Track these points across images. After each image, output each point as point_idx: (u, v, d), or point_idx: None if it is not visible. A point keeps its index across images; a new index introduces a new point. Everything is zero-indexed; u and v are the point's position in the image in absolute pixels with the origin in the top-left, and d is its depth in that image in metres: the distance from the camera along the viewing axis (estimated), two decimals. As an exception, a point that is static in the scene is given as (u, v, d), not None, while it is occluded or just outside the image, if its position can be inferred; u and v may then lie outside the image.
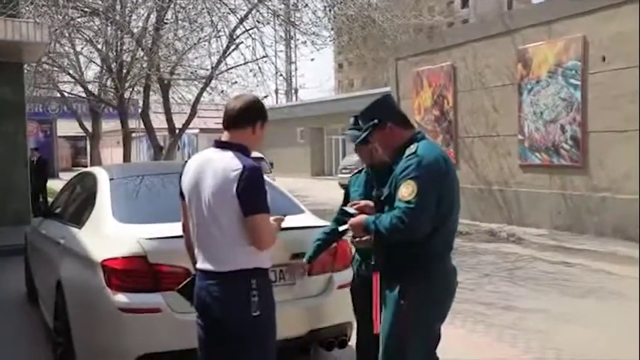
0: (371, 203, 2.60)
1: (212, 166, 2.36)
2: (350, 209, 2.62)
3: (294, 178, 22.59)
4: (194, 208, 2.41)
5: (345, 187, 3.21)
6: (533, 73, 10.10)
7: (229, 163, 2.32)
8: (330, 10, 11.29)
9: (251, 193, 2.28)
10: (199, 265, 2.43)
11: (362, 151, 2.97)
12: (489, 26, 11.33)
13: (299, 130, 26.99)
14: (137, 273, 3.01)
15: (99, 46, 12.35)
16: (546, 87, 9.89)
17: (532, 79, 10.13)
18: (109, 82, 14.00)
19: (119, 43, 11.44)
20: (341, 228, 2.59)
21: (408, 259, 2.42)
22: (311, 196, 15.11)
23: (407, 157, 2.41)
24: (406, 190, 2.31)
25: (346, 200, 3.15)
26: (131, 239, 3.07)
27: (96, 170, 4.31)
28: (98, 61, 14.07)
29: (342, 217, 3.00)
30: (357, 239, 2.55)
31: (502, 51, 10.69)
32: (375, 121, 2.53)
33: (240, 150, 2.38)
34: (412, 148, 2.43)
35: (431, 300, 2.43)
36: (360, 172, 3.16)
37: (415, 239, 2.34)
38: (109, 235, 3.29)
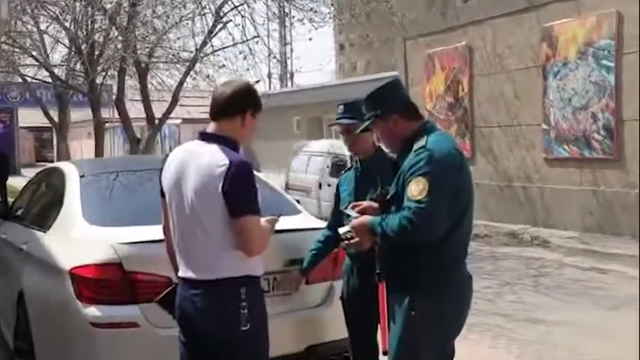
0: (374, 205, 2.61)
1: (195, 160, 2.37)
2: (350, 212, 2.62)
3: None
4: (175, 209, 2.41)
5: (336, 187, 3.23)
6: (560, 54, 10.09)
7: (214, 157, 2.33)
8: (329, -17, 11.27)
9: (239, 191, 2.29)
10: (182, 273, 2.43)
11: (359, 141, 2.99)
12: (510, 1, 11.32)
13: (295, 119, 26.96)
14: (111, 282, 3.00)
15: (66, 25, 12.31)
16: (575, 70, 9.89)
17: (559, 60, 10.13)
18: (78, 66, 13.94)
19: (90, 21, 11.39)
20: (341, 230, 2.59)
21: (417, 265, 2.43)
22: (308, 195, 15.14)
23: (416, 151, 2.41)
24: (416, 188, 2.32)
25: (337, 202, 3.16)
26: (104, 244, 3.07)
27: (64, 166, 4.31)
28: (66, 41, 14.02)
29: (336, 220, 3.02)
30: (347, 242, 2.55)
31: (525, 29, 10.69)
32: (378, 111, 2.54)
33: (228, 143, 2.39)
34: (421, 140, 2.43)
35: (444, 311, 2.44)
36: (349, 169, 3.18)
37: (426, 243, 2.35)
38: (78, 239, 3.29)
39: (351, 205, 2.70)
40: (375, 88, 2.61)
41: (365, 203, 2.66)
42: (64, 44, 14.42)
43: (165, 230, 2.56)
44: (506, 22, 11.07)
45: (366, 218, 2.50)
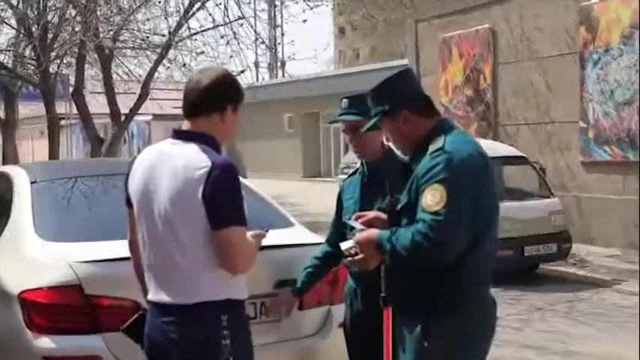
0: (383, 216, 2.62)
1: (170, 163, 2.38)
2: (355, 223, 2.63)
3: (280, 180, 22.62)
4: (145, 221, 2.43)
5: (338, 195, 3.25)
6: (601, 38, 10.15)
7: (193, 159, 2.34)
8: (327, -44, 11.32)
9: (222, 198, 2.30)
10: (152, 297, 2.44)
11: (366, 141, 3.01)
12: (541, -24, 11.39)
13: (287, 116, 27.01)
14: (68, 308, 3.00)
15: (13, 2, 12.32)
16: (618, 57, 9.94)
17: (599, 46, 10.18)
18: (28, 51, 13.95)
19: (43, -1, 11.41)
20: (343, 246, 2.60)
21: (431, 288, 2.44)
22: (303, 204, 15.16)
23: (432, 153, 2.43)
24: (432, 198, 2.34)
25: (339, 212, 3.18)
26: (60, 263, 3.07)
27: (11, 170, 4.31)
28: (13, 22, 14.02)
29: (337, 234, 3.03)
30: (350, 259, 2.57)
31: (558, 8, 10.75)
32: (386, 107, 2.56)
33: (208, 142, 2.40)
34: (438, 141, 2.45)
35: (463, 341, 2.45)
36: (354, 173, 3.20)
37: (444, 261, 2.36)
38: (29, 257, 3.29)
39: (355, 216, 2.71)
40: (382, 80, 2.63)
41: (371, 214, 2.68)
42: (10, 25, 14.38)
43: (132, 245, 2.58)
44: (536, 1, 11.12)
45: (373, 232, 2.51)
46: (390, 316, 2.63)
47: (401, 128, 2.57)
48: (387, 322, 2.64)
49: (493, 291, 2.59)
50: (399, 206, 2.53)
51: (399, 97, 2.57)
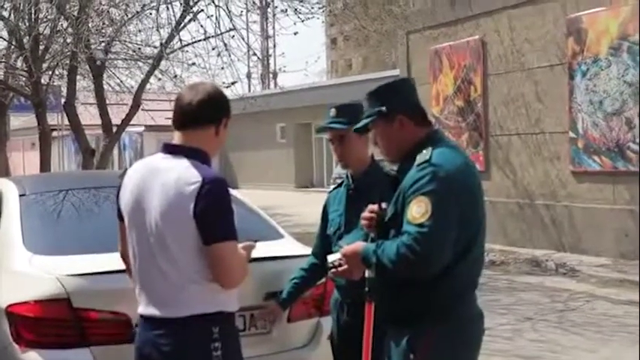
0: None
1: (161, 177, 2.38)
2: (333, 257, 2.62)
3: (272, 190, 22.61)
4: (136, 234, 2.43)
5: (323, 207, 3.25)
6: (590, 49, 10.21)
7: (184, 174, 2.35)
8: (318, -33, 11.35)
9: (214, 213, 2.31)
10: (142, 310, 2.44)
11: (352, 150, 3.01)
12: (530, -13, 11.45)
13: (279, 126, 27.03)
14: (57, 322, 3.00)
15: (5, 14, 12.31)
16: (607, 68, 10.00)
17: (588, 57, 10.24)
18: (19, 63, 13.92)
19: (33, 10, 11.40)
20: (330, 258, 2.60)
21: (418, 300, 2.44)
22: (294, 215, 15.15)
23: (418, 165, 2.44)
24: (418, 210, 2.34)
25: (325, 224, 3.17)
26: (48, 276, 3.06)
27: (1, 183, 4.30)
28: (4, 33, 14.00)
29: (323, 246, 3.04)
30: (335, 270, 2.56)
31: (548, 20, 10.81)
32: (383, 108, 2.56)
33: (199, 156, 2.41)
34: (425, 153, 2.46)
35: (450, 353, 2.44)
36: (340, 185, 3.19)
37: (429, 273, 2.36)
38: (17, 271, 3.28)
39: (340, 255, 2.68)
40: (381, 84, 2.64)
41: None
42: (1, 37, 14.40)
43: (124, 257, 2.58)
44: (526, 13, 11.19)
45: (359, 245, 2.52)
46: (372, 310, 2.62)
47: (394, 132, 2.57)
48: (368, 316, 2.62)
49: (483, 300, 2.58)
50: (386, 218, 2.53)
51: (398, 100, 2.58)
